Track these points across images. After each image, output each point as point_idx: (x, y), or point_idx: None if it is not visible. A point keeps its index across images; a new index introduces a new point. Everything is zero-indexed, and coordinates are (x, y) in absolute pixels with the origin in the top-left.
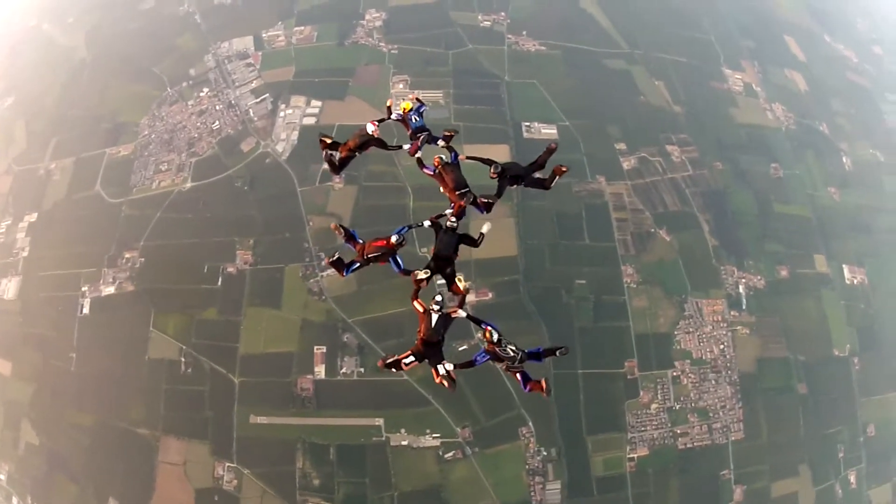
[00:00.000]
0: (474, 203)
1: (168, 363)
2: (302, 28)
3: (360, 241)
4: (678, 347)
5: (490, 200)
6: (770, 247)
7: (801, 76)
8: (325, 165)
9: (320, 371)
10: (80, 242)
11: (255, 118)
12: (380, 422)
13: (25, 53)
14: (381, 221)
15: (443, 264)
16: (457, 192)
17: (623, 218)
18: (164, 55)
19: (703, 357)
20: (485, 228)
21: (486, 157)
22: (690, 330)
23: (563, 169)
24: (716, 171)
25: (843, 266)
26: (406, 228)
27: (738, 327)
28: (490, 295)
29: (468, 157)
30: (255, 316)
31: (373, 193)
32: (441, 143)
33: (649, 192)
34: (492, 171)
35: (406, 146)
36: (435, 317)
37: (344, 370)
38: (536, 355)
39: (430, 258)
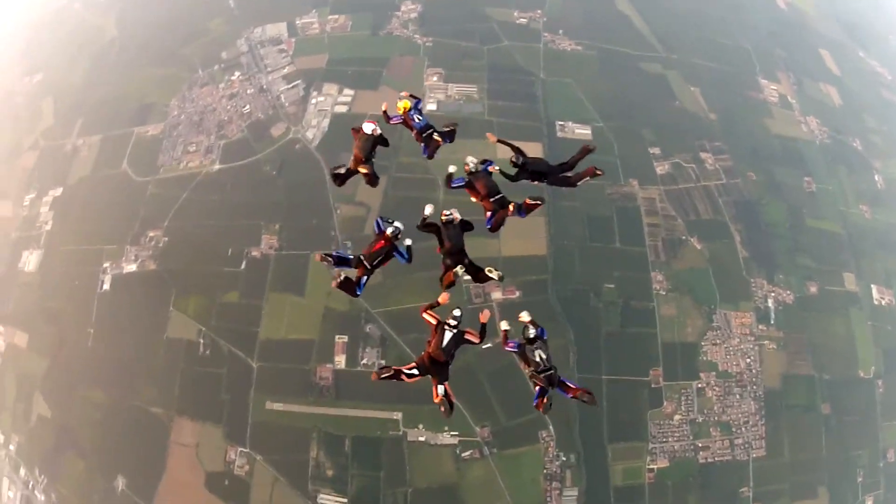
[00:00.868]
0: (518, 209)
1: (186, 344)
2: (336, 17)
3: (352, 257)
4: (704, 359)
5: (536, 202)
6: (801, 261)
7: (836, 90)
8: (329, 177)
9: (341, 361)
10: (104, 219)
11: (287, 104)
12: (398, 416)
13: (55, 31)
14: (410, 214)
15: (458, 257)
16: (491, 200)
17: (655, 223)
18: (195, 38)
19: (729, 370)
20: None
21: (516, 145)
22: (718, 342)
23: (599, 172)
24: (749, 182)
25: (872, 286)
26: (381, 220)
27: (766, 342)
28: (517, 293)
29: (499, 141)
30: (277, 301)
31: (402, 185)
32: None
33: (682, 198)
34: (512, 157)
35: (424, 153)
36: (448, 334)
37: (365, 361)
38: (564, 386)
39: (442, 256)
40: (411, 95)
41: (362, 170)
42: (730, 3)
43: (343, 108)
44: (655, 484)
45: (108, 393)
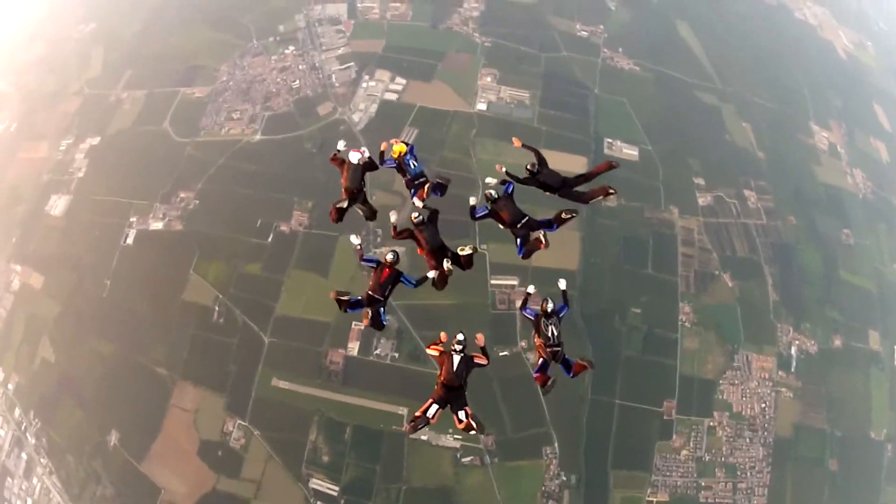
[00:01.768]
0: (535, 227)
1: (201, 309)
2: (397, 4)
3: (361, 298)
4: (720, 397)
5: (570, 215)
6: (829, 313)
7: (885, 147)
8: (332, 214)
9: (354, 348)
10: (138, 174)
11: (337, 84)
12: (403, 411)
13: None
14: (447, 211)
15: (442, 255)
16: (518, 226)
17: (689, 254)
18: (255, 7)
19: (743, 412)
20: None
21: (541, 154)
22: (736, 382)
23: (612, 192)
24: (789, 225)
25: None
26: (366, 260)
27: (783, 389)
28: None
29: (524, 146)
30: (299, 279)
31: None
32: (416, 200)
33: (720, 232)
34: (528, 164)
35: (415, 201)
36: (457, 359)
37: (378, 351)
38: (567, 365)
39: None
40: (403, 143)
41: (360, 209)
42: (791, 45)
43: (393, 96)
44: None
45: (116, 346)
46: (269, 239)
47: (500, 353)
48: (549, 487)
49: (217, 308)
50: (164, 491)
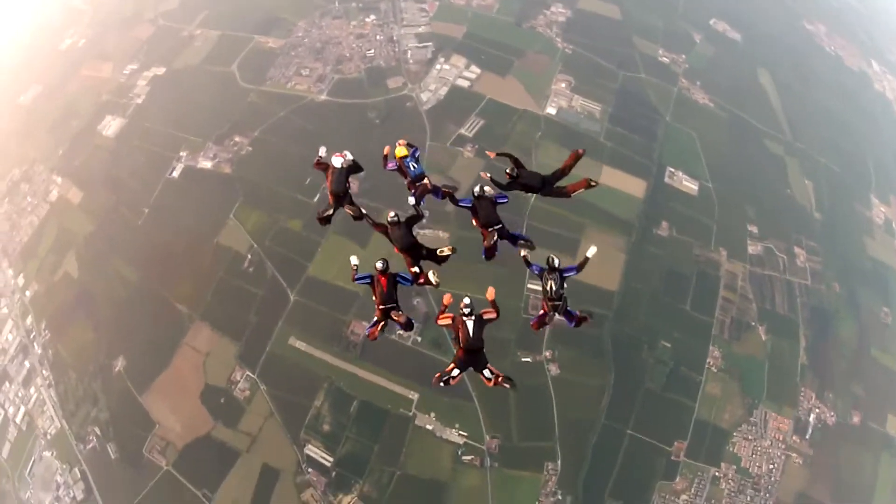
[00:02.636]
0: (506, 237)
1: (233, 254)
2: None
3: (376, 318)
4: (731, 449)
5: (527, 243)
6: (854, 388)
7: None
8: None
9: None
10: (196, 110)
11: (411, 61)
12: (414, 396)
13: None
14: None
15: (416, 254)
16: (488, 229)
17: (730, 299)
18: None
19: (751, 469)
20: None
21: (515, 157)
22: (749, 437)
23: (593, 183)
24: (832, 292)
25: None
26: (360, 278)
27: (794, 454)
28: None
29: (498, 154)
30: (337, 244)
31: (500, 171)
32: (410, 199)
33: (764, 284)
34: (508, 170)
35: (411, 200)
36: (470, 323)
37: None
38: (569, 315)
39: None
40: (408, 144)
41: (348, 211)
42: (864, 114)
43: (465, 83)
44: None
45: (141, 275)
46: (316, 199)
47: (523, 359)
48: (544, 503)
49: (249, 256)
50: (158, 426)
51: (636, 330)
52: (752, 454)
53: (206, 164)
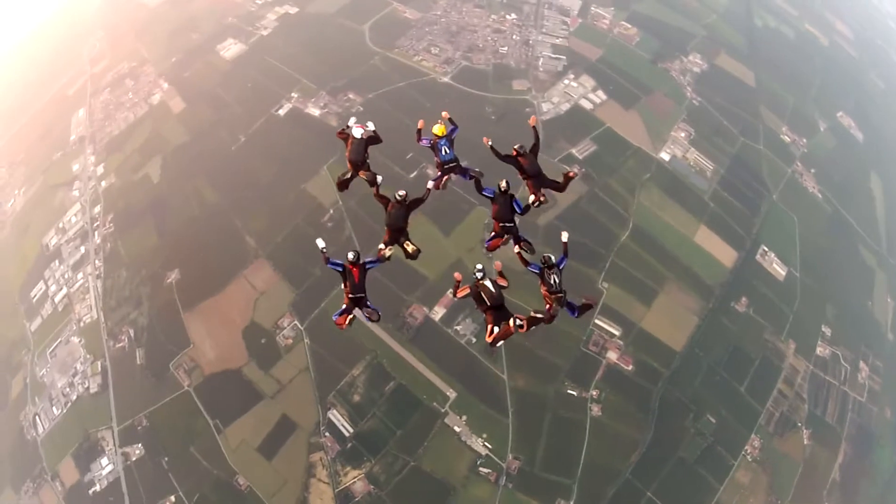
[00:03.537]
0: (513, 236)
1: (316, 205)
2: (628, 26)
3: (345, 306)
4: None
5: (525, 250)
6: None
7: None
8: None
9: (438, 313)
10: (318, 57)
11: (541, 69)
12: (452, 394)
13: None
14: (585, 228)
15: (397, 235)
16: (499, 224)
17: (785, 393)
18: None
19: None
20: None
21: (538, 141)
22: None
23: (572, 175)
24: (883, 416)
25: None
26: (332, 263)
27: None
28: (630, 367)
29: (534, 127)
30: (421, 225)
31: (595, 202)
32: (430, 184)
33: (821, 388)
34: (517, 147)
35: (430, 185)
36: (489, 282)
37: (460, 328)
38: (571, 307)
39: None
40: (450, 120)
41: (362, 175)
42: None
43: (588, 105)
44: None
45: (220, 198)
46: (412, 175)
47: (568, 391)
48: None
49: (331, 211)
50: (192, 346)
51: (687, 396)
52: None
53: (315, 111)
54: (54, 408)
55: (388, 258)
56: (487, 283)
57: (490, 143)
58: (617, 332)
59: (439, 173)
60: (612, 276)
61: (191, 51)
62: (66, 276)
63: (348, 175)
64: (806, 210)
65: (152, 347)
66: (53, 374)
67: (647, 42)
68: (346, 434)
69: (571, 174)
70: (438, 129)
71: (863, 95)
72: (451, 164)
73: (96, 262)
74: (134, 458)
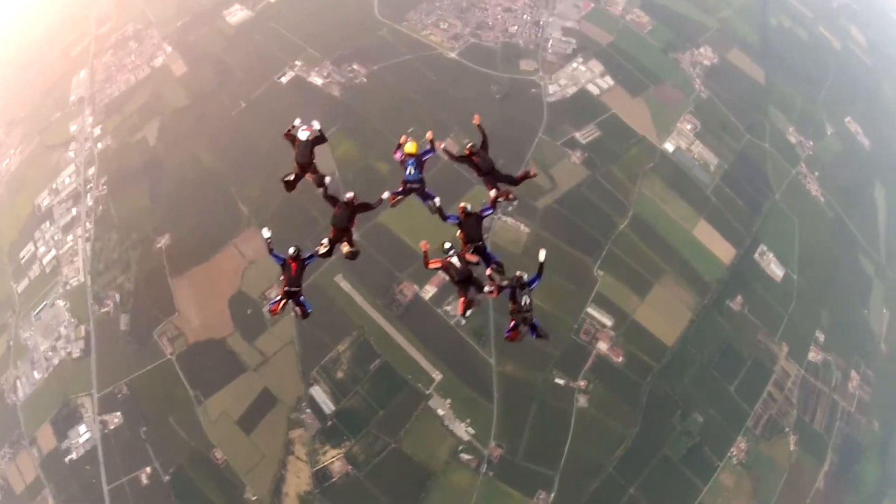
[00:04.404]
0: (482, 255)
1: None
2: (641, 14)
3: (279, 296)
4: None
5: (498, 268)
6: None
7: None
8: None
9: (429, 292)
10: (324, 27)
11: (550, 51)
12: (438, 376)
13: None
14: (584, 214)
15: (340, 234)
16: (466, 244)
17: (775, 397)
18: None
19: None
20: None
21: (486, 138)
22: None
23: (533, 174)
24: (870, 428)
25: None
26: (276, 255)
27: None
28: (620, 358)
29: (479, 126)
30: (417, 201)
31: (595, 188)
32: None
33: (810, 394)
34: (469, 145)
35: (385, 195)
36: (455, 259)
37: (450, 308)
38: (534, 327)
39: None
40: (431, 141)
41: (309, 178)
42: None
43: (594, 90)
44: None
45: (215, 162)
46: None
47: (556, 380)
48: None
49: (328, 180)
50: (177, 314)
51: (676, 392)
52: None
53: (318, 80)
54: (35, 372)
55: (325, 255)
56: (454, 259)
57: (443, 145)
58: (609, 323)
59: (399, 189)
60: (607, 264)
61: (197, 15)
62: (55, 238)
63: (291, 177)
64: (807, 213)
65: (137, 313)
66: (37, 338)
67: (659, 31)
68: (328, 412)
69: (532, 173)
70: (410, 146)
71: (872, 103)
72: (413, 184)
73: (87, 224)
74: (112, 427)
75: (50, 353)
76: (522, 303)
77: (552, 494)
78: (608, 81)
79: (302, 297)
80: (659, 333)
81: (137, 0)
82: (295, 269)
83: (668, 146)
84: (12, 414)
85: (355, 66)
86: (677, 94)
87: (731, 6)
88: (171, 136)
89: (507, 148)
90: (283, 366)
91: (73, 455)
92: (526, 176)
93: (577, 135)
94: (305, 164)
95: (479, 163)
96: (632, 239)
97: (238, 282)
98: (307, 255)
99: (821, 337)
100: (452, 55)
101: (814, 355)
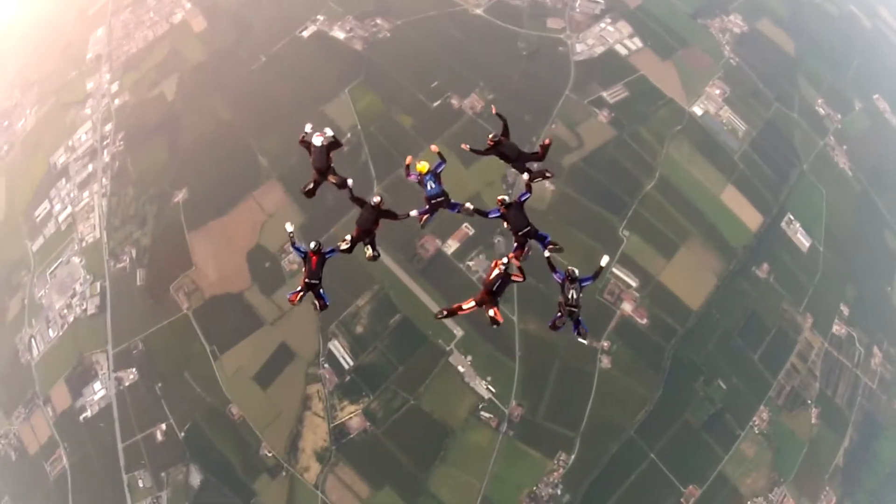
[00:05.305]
0: (536, 238)
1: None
2: None
3: (300, 287)
4: None
5: (555, 247)
6: None
7: None
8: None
9: (451, 246)
10: None
11: (578, 10)
12: (459, 333)
13: None
14: (610, 173)
15: (363, 235)
16: (518, 234)
17: (798, 368)
18: None
19: None
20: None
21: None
22: None
23: (549, 175)
24: (890, 407)
25: None
26: (297, 249)
27: None
28: (645, 320)
29: (497, 114)
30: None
31: (623, 149)
32: (413, 213)
33: (833, 368)
34: (491, 136)
35: (413, 213)
36: (495, 272)
37: (472, 264)
38: (578, 325)
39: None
40: (439, 154)
41: (331, 180)
42: None
43: (623, 51)
44: None
45: (234, 116)
46: (435, 104)
47: (579, 339)
48: (540, 491)
49: (349, 135)
50: (194, 267)
51: (700, 358)
52: None
53: (340, 34)
54: (50, 330)
55: (346, 251)
56: (496, 272)
57: (469, 147)
58: (634, 284)
59: (426, 207)
60: (633, 224)
61: None
62: (71, 195)
63: (312, 185)
64: (835, 185)
65: (154, 268)
66: (52, 295)
67: None
68: (346, 367)
69: (547, 141)
70: (420, 166)
71: None
72: (437, 199)
73: (103, 180)
74: (127, 384)
75: (65, 311)
76: (570, 296)
77: (572, 456)
78: (636, 43)
79: (321, 290)
80: (684, 297)
81: None
82: (315, 263)
83: (697, 109)
84: (27, 373)
85: (378, 21)
86: (706, 59)
87: None
88: (189, 92)
89: (532, 105)
90: (302, 320)
91: (88, 413)
92: (547, 147)
93: (605, 94)
94: (324, 169)
95: (506, 150)
96: (658, 200)
97: (256, 236)
98: (328, 250)
99: (845, 311)
100: (478, 11)
101: (837, 329)
